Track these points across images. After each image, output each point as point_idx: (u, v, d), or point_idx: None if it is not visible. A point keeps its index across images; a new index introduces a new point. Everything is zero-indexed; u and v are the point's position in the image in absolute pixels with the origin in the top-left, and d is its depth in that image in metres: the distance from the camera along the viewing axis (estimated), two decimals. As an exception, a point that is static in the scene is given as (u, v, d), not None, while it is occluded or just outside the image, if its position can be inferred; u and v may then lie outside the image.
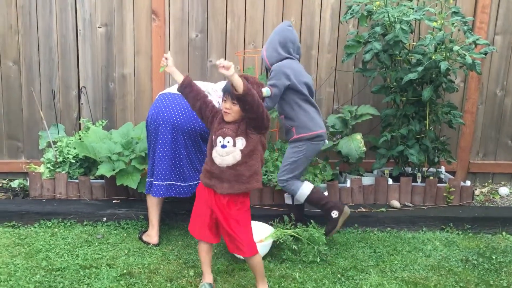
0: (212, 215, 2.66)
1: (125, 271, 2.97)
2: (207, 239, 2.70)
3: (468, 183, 4.14)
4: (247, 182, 2.58)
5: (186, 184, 3.35)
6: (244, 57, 4.35)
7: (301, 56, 3.54)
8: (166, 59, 2.69)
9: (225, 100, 2.54)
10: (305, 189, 3.37)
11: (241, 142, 2.53)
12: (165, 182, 3.29)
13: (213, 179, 2.60)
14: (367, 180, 4.06)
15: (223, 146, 2.53)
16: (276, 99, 3.31)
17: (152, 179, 3.34)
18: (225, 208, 2.61)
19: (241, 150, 2.53)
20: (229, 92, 2.47)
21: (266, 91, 3.41)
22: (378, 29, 3.81)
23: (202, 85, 3.42)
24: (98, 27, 4.27)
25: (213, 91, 3.34)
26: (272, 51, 3.38)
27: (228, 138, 2.52)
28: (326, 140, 3.49)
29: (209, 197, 2.65)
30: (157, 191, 3.30)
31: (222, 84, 3.61)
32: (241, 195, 2.63)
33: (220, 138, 2.55)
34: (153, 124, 3.30)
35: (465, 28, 3.69)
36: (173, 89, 3.37)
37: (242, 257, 2.86)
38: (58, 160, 3.90)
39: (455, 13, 3.72)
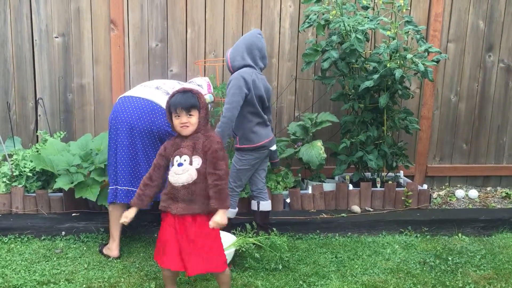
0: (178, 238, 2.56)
1: (84, 285, 2.91)
2: (175, 267, 2.55)
3: (425, 186, 4.25)
4: (205, 204, 2.51)
5: None
6: (205, 66, 4.35)
7: (266, 66, 3.52)
8: None
9: (178, 116, 2.49)
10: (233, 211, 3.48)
11: (197, 161, 2.49)
12: (125, 188, 3.23)
13: (168, 200, 2.55)
14: (328, 186, 4.12)
15: (180, 164, 2.49)
16: (236, 109, 3.24)
17: (116, 186, 3.25)
18: (188, 228, 2.53)
19: (197, 169, 2.48)
20: (182, 106, 2.46)
21: (209, 97, 3.45)
22: (335, 37, 3.89)
23: (151, 84, 3.43)
24: (55, 37, 4.20)
25: (163, 85, 3.39)
26: (236, 54, 3.33)
27: (185, 157, 2.49)
28: (273, 147, 3.47)
29: (171, 220, 2.57)
30: (122, 196, 3.22)
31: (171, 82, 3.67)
32: (200, 216, 2.54)
33: (177, 158, 2.51)
34: (112, 127, 3.26)
35: (418, 36, 3.81)
36: (133, 92, 3.35)
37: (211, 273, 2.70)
38: (14, 174, 3.80)
39: (408, 22, 3.83)
